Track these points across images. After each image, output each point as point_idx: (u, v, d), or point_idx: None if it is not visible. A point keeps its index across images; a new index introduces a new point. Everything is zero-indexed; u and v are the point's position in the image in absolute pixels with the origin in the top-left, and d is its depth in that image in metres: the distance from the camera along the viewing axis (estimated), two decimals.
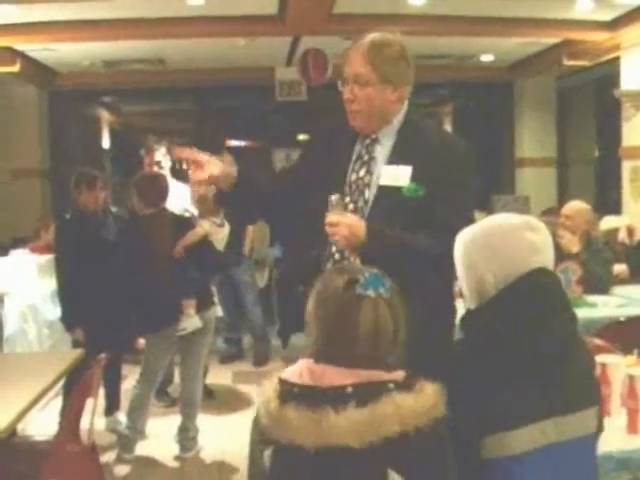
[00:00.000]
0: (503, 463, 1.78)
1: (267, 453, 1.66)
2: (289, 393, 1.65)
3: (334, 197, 2.34)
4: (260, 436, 1.69)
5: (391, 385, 1.64)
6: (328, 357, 1.68)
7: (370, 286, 1.70)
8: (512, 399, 1.78)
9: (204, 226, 4.69)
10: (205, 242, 4.62)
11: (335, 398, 1.60)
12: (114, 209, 5.69)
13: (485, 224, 1.97)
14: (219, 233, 4.91)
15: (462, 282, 1.97)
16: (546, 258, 1.92)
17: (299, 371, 1.69)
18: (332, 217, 2.32)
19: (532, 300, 1.85)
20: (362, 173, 2.48)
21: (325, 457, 1.58)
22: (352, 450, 1.56)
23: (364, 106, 2.45)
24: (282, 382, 1.70)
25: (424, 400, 1.62)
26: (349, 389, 1.61)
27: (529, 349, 1.81)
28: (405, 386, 1.64)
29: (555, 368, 1.85)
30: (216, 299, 4.95)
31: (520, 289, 1.85)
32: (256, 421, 1.72)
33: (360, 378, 1.64)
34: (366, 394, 1.61)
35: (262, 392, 1.70)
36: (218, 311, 4.86)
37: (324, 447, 1.57)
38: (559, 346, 1.86)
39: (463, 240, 1.96)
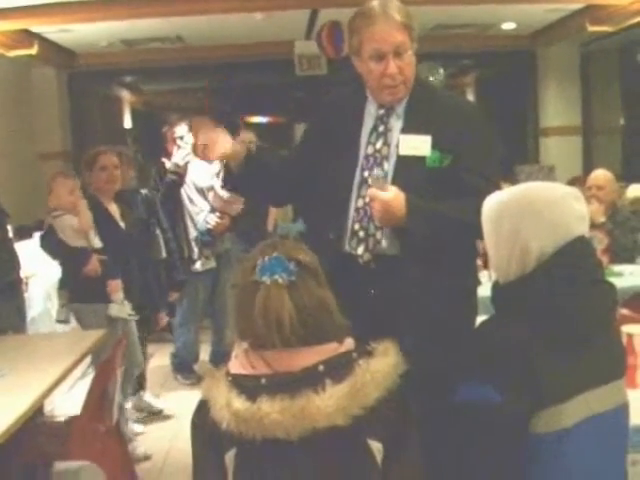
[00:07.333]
0: (550, 437, 1.75)
1: (229, 455, 1.59)
2: (256, 387, 1.57)
3: (375, 173, 2.29)
4: (217, 441, 1.60)
5: (354, 355, 1.61)
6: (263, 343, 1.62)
7: (265, 272, 1.62)
8: (561, 372, 1.74)
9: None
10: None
11: (310, 380, 1.55)
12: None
13: (530, 191, 1.88)
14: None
15: (499, 251, 1.88)
16: (586, 228, 1.89)
17: (247, 363, 1.62)
18: (368, 193, 2.28)
19: (581, 267, 1.83)
20: (379, 145, 2.39)
21: (306, 444, 1.52)
22: (335, 429, 1.52)
23: (407, 75, 2.36)
24: (238, 379, 1.62)
25: (390, 360, 1.61)
26: (320, 367, 1.57)
27: (577, 318, 1.78)
28: (366, 352, 1.62)
29: (597, 337, 1.83)
30: None
31: (570, 256, 1.81)
32: (201, 428, 1.66)
33: (322, 354, 1.59)
34: (338, 369, 1.57)
35: (211, 398, 1.62)
36: None
37: (308, 433, 1.52)
38: (604, 314, 1.85)
39: (504, 207, 1.87)
